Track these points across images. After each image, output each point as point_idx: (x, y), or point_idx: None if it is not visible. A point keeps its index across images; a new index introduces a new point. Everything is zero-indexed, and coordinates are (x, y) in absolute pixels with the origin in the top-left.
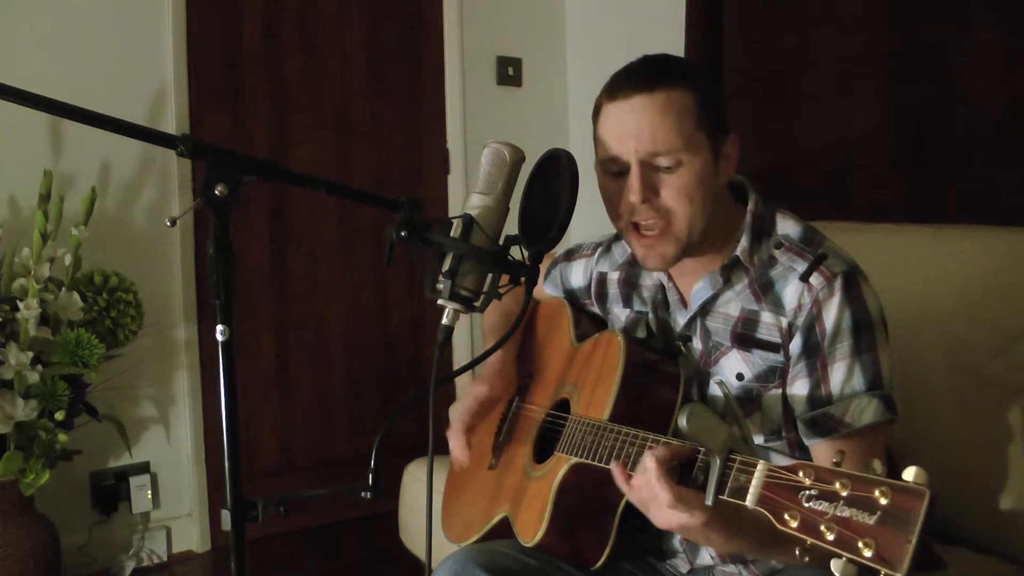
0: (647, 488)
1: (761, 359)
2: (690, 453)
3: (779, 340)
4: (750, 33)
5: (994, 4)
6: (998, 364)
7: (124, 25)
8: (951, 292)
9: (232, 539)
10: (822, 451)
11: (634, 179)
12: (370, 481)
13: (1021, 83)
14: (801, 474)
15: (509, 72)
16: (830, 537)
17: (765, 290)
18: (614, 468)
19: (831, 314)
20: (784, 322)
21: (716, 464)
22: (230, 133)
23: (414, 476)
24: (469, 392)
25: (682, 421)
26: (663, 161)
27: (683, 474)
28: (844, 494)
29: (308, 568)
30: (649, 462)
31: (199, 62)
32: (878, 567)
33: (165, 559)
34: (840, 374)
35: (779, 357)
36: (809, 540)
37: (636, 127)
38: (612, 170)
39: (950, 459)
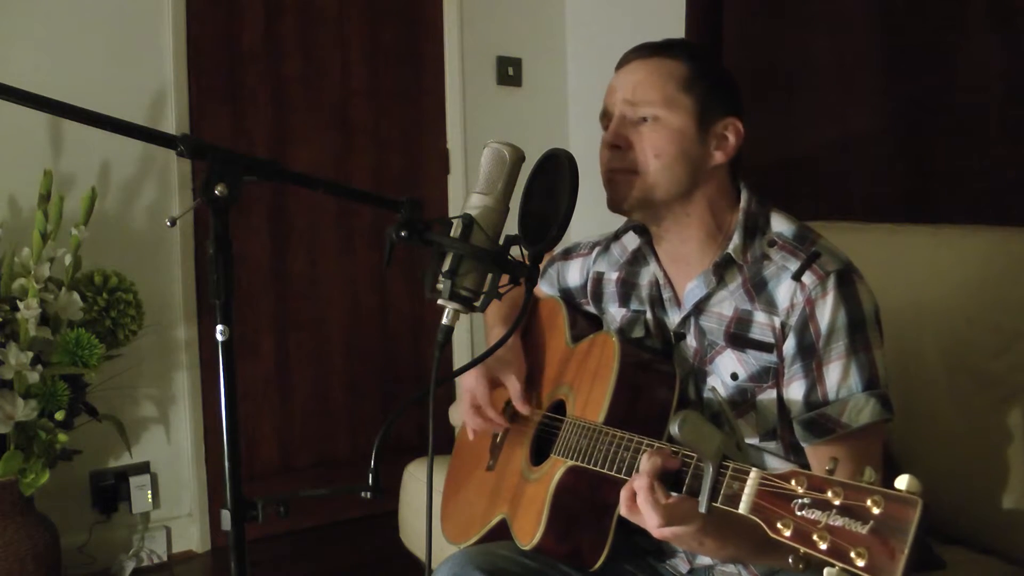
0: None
1: (755, 359)
2: (679, 464)
3: (772, 340)
4: (750, 33)
5: (994, 4)
6: (998, 364)
7: (124, 25)
8: (951, 292)
9: (232, 539)
10: (819, 453)
11: (611, 126)
12: (370, 481)
13: (1021, 83)
14: (794, 482)
15: (509, 72)
16: (823, 546)
17: (758, 289)
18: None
19: (825, 313)
20: (777, 322)
21: (709, 471)
22: (230, 133)
23: (414, 476)
24: (505, 379)
25: (674, 428)
26: (640, 112)
27: (677, 482)
28: (837, 503)
29: (308, 568)
30: (638, 482)
31: (199, 62)
32: None
33: (165, 559)
34: (836, 374)
35: (772, 358)
36: (802, 549)
37: (623, 83)
38: (604, 125)
39: (950, 459)
